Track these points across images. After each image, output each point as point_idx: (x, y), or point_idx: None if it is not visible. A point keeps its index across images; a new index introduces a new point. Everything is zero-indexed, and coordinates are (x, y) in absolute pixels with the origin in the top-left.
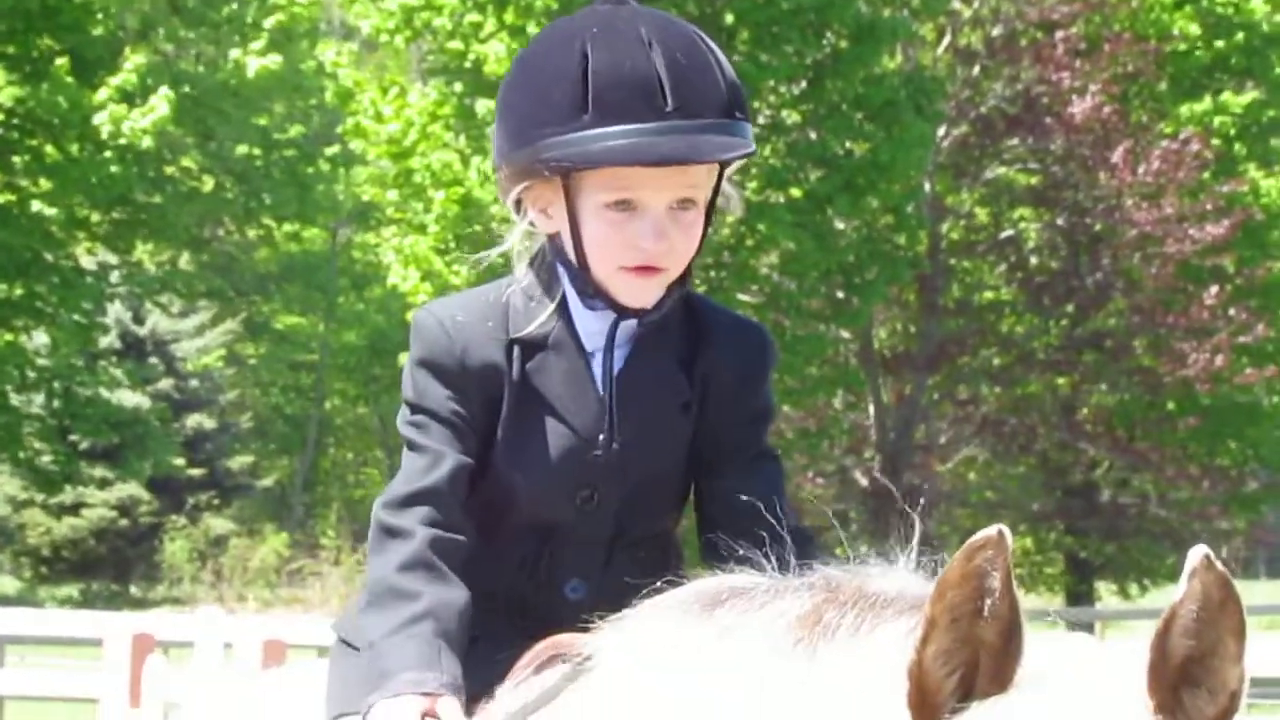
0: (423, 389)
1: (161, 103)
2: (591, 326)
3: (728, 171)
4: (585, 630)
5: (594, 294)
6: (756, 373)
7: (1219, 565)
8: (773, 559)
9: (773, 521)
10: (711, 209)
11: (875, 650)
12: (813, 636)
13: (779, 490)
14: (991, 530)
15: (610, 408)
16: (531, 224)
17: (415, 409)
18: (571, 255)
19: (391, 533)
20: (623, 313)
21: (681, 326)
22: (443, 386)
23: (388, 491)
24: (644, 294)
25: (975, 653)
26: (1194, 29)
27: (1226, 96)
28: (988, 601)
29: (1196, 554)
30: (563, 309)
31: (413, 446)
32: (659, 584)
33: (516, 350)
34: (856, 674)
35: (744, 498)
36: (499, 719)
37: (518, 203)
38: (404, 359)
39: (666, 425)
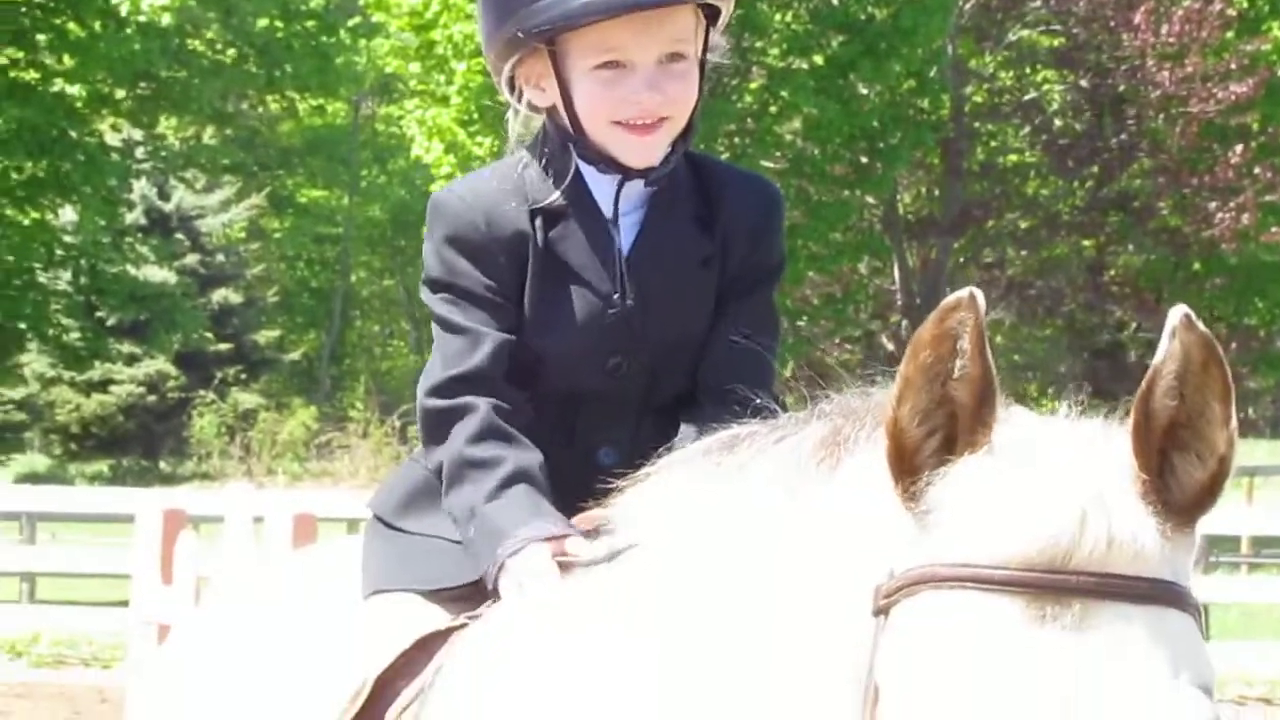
0: (451, 266)
1: None
2: (607, 192)
3: (717, 25)
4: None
5: (595, 158)
6: (769, 225)
7: (1200, 326)
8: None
9: (754, 382)
10: (703, 64)
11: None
12: (834, 454)
13: (772, 353)
14: (963, 292)
15: (620, 270)
16: (529, 103)
17: (446, 287)
18: (567, 123)
19: (449, 414)
20: (627, 173)
21: (693, 186)
22: (472, 262)
23: (428, 377)
24: (646, 152)
25: (952, 414)
26: None
27: None
28: (959, 362)
29: (1176, 313)
30: (577, 177)
31: (448, 326)
32: (675, 441)
33: (539, 219)
34: (877, 471)
35: (735, 356)
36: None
37: (510, 84)
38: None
39: (687, 284)
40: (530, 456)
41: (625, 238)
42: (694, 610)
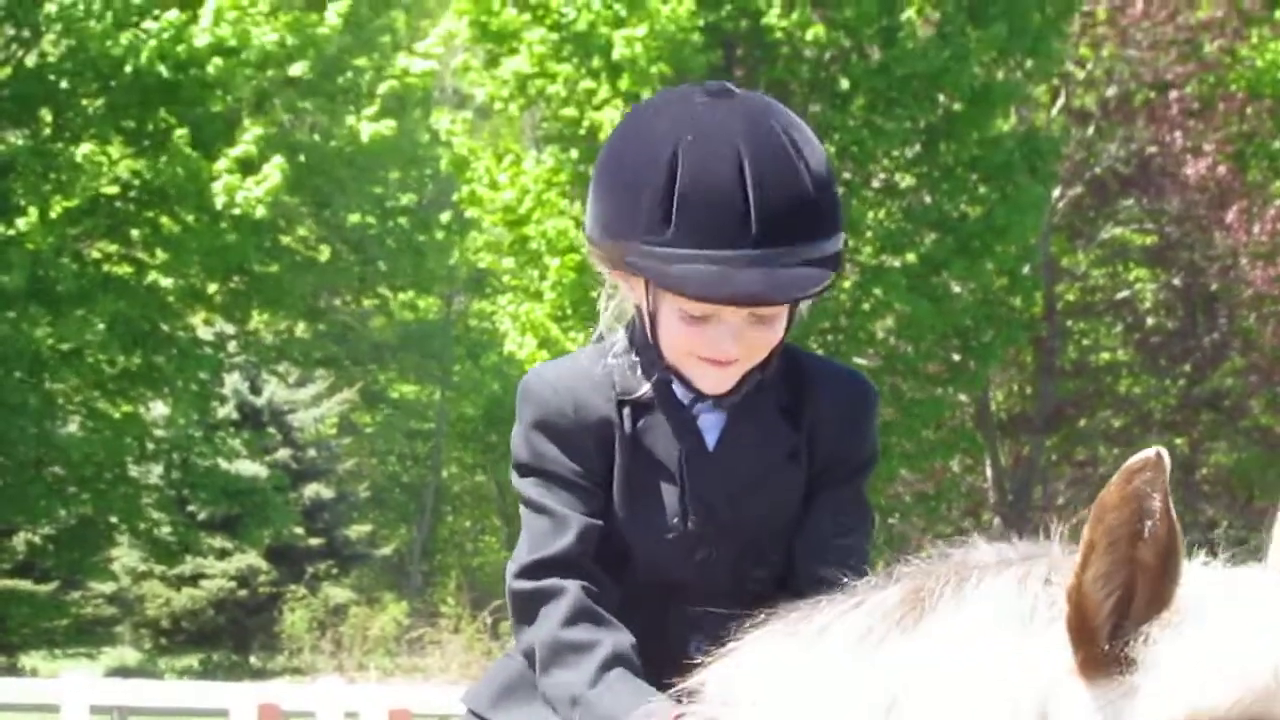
0: (540, 451)
1: (274, 171)
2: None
3: None
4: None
5: (670, 374)
6: (859, 419)
7: None
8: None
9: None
10: (794, 309)
11: (980, 602)
12: (915, 611)
13: (864, 540)
14: (1150, 452)
15: (682, 479)
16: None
17: (534, 471)
18: (650, 338)
19: (539, 596)
20: (698, 394)
21: (783, 378)
22: (560, 447)
23: (516, 559)
24: (719, 382)
25: (1133, 575)
26: None
27: None
28: (1147, 524)
29: None
30: (663, 372)
31: (536, 508)
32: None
33: (626, 410)
34: (961, 625)
35: (826, 544)
36: None
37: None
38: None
39: (773, 477)
40: (623, 638)
41: (710, 431)
42: None
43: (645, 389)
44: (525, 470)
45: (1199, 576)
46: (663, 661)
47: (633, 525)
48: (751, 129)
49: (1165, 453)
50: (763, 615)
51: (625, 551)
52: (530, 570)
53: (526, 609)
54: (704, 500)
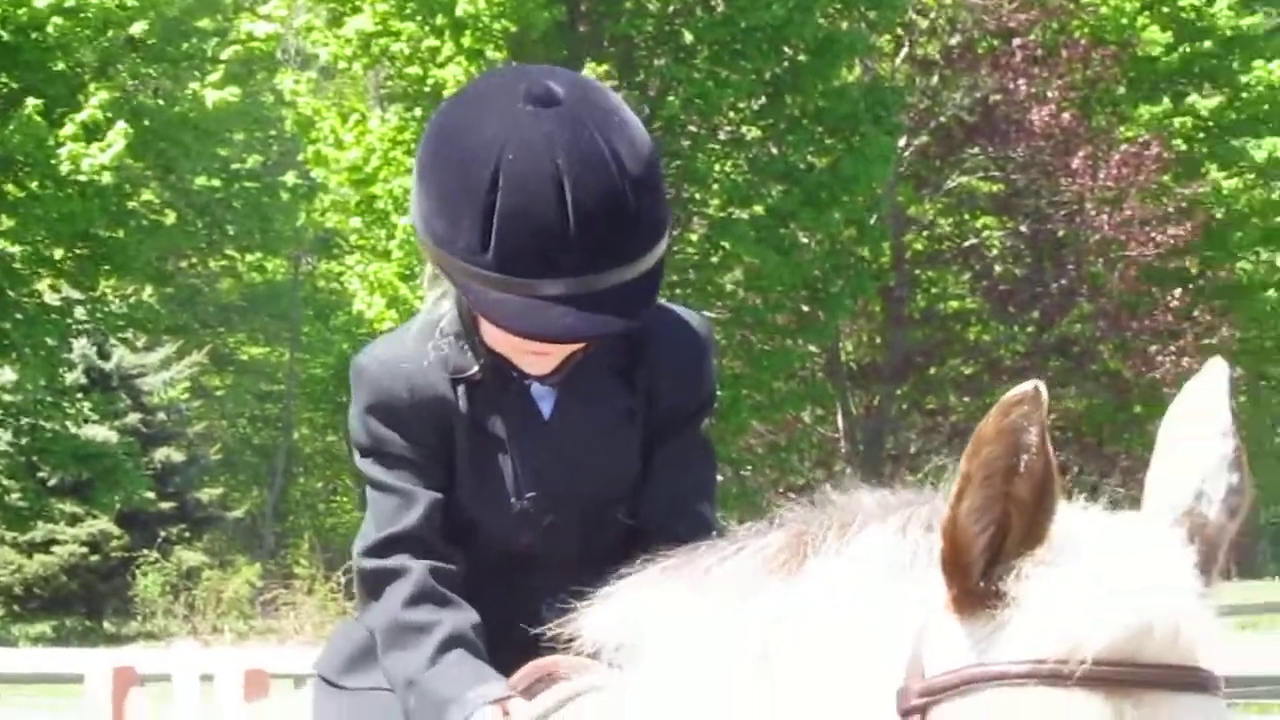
0: (377, 434)
1: (118, 138)
2: None
3: None
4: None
5: (492, 358)
6: (696, 366)
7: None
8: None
9: (695, 518)
10: None
11: (861, 548)
12: (799, 554)
13: (709, 485)
14: (1027, 386)
15: (520, 451)
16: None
17: (374, 452)
18: (474, 326)
19: (383, 575)
20: (522, 375)
21: (618, 338)
22: (397, 429)
23: (363, 538)
24: (542, 367)
25: (1007, 510)
26: (1160, 34)
27: (1193, 100)
28: (1023, 458)
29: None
30: (487, 356)
31: (380, 486)
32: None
33: (461, 388)
34: (840, 571)
35: (672, 493)
36: None
37: None
38: None
39: (611, 440)
40: (465, 617)
41: (545, 400)
42: None
43: (474, 362)
44: (365, 452)
45: (1075, 517)
46: (514, 626)
47: (476, 500)
48: (572, 143)
49: (1043, 387)
50: (638, 563)
51: (471, 524)
52: (378, 548)
53: (373, 587)
54: (542, 471)
